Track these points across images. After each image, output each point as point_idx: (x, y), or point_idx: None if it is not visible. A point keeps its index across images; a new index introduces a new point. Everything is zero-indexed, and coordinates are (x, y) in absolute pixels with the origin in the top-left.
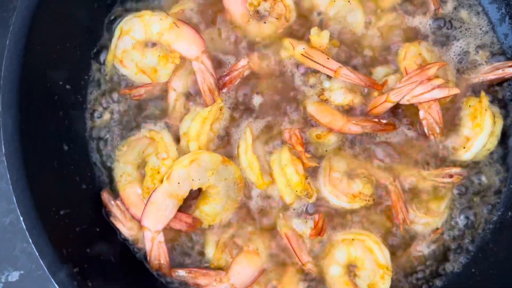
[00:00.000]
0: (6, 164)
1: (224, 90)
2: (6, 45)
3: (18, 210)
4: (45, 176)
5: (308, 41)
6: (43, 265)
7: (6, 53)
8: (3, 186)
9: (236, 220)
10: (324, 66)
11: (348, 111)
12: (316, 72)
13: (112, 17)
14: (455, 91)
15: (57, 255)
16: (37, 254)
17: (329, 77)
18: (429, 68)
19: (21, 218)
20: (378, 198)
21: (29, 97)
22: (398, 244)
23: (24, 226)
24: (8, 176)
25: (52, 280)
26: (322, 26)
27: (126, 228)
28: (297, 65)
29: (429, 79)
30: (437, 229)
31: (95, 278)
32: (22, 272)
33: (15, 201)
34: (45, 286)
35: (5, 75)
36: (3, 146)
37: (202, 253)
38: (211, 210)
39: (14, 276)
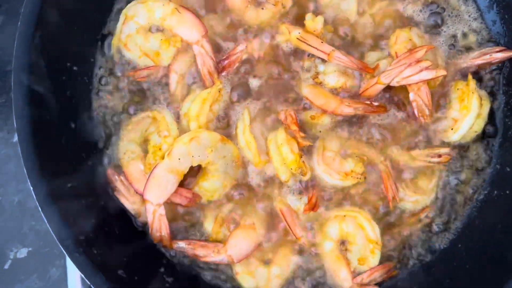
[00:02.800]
0: (17, 138)
1: (224, 73)
2: (15, 32)
3: (29, 183)
4: (53, 152)
5: (303, 26)
6: (51, 231)
7: (17, 35)
8: (12, 168)
9: (234, 196)
10: (318, 49)
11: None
12: (311, 56)
13: (117, 4)
14: (442, 72)
15: (65, 223)
16: (46, 220)
17: (323, 61)
18: (418, 50)
19: (32, 190)
20: (369, 177)
21: (39, 77)
22: (388, 220)
23: (35, 197)
24: (20, 150)
25: (60, 245)
26: (317, 12)
27: (129, 202)
28: (294, 49)
29: (418, 61)
30: (426, 206)
31: (99, 246)
32: (30, 249)
33: (26, 173)
34: (52, 262)
35: (16, 56)
36: (15, 123)
37: (201, 227)
38: (210, 186)
39: (23, 252)
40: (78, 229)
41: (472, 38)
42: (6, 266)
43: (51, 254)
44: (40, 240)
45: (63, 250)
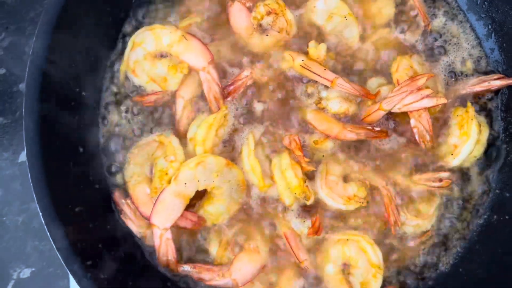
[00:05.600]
0: (27, 164)
1: (229, 99)
2: (22, 52)
3: (37, 207)
4: (62, 176)
5: (306, 53)
6: (59, 256)
7: (29, 64)
8: (17, 187)
9: (238, 219)
10: (321, 77)
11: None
12: (314, 82)
13: (125, 31)
14: (443, 100)
15: (72, 249)
16: (54, 246)
17: (326, 87)
18: (419, 78)
19: (41, 214)
20: (372, 201)
21: (49, 103)
22: (390, 244)
23: (43, 221)
24: (29, 175)
25: (68, 271)
26: (320, 39)
27: (135, 226)
28: (298, 76)
29: (419, 89)
30: (427, 231)
31: (107, 271)
32: (33, 269)
33: (35, 198)
34: (55, 283)
35: (28, 83)
36: (25, 148)
37: (206, 251)
38: (215, 210)
39: (26, 273)
40: (85, 253)
41: (471, 65)
42: (9, 287)
43: (55, 274)
44: (44, 260)
45: (70, 274)
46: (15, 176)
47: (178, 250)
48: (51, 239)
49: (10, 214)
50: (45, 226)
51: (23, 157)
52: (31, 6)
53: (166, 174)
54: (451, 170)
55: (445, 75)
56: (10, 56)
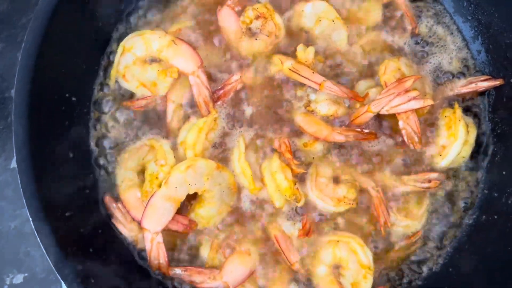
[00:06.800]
0: (17, 169)
1: (219, 103)
2: (14, 59)
3: (27, 212)
4: (52, 181)
5: (295, 56)
6: (49, 261)
7: (18, 69)
8: (9, 193)
9: (229, 222)
10: (309, 80)
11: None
12: (303, 85)
13: (115, 36)
14: (430, 102)
15: (62, 254)
16: (44, 251)
17: (315, 90)
18: (406, 80)
19: (30, 219)
20: (361, 202)
21: (38, 108)
22: (381, 245)
23: (33, 226)
24: (19, 180)
25: (59, 276)
26: (308, 43)
27: (126, 230)
28: (287, 79)
29: (406, 91)
30: (417, 231)
31: (97, 276)
32: (26, 274)
33: (25, 203)
34: None
35: (17, 88)
36: (14, 153)
37: (197, 254)
38: (206, 213)
39: (19, 278)
40: (75, 258)
41: (458, 67)
42: None
43: (47, 280)
44: (36, 265)
45: (62, 281)
46: (7, 182)
47: (171, 251)
48: (41, 245)
49: (2, 220)
50: (35, 232)
51: (15, 163)
52: (22, 12)
53: (157, 178)
54: (440, 170)
55: (432, 77)
56: (2, 62)
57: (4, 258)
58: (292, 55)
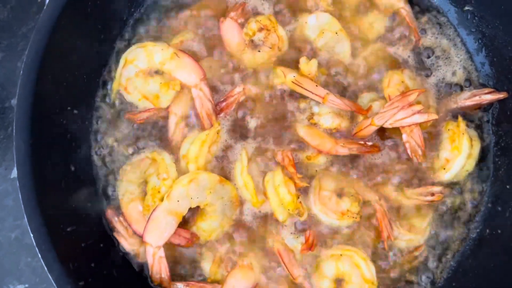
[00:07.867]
0: (18, 184)
1: (221, 115)
2: (14, 68)
3: (28, 227)
4: (53, 195)
5: (298, 69)
6: (51, 279)
7: (20, 82)
8: (10, 203)
9: (231, 236)
10: (312, 93)
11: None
12: (306, 98)
13: (117, 49)
14: (434, 116)
15: (64, 270)
16: (46, 268)
17: (318, 102)
18: (410, 94)
19: (32, 235)
20: (365, 216)
21: (40, 122)
22: (383, 259)
23: (34, 242)
24: (20, 195)
25: None
26: (312, 55)
27: (128, 243)
28: (290, 91)
29: (410, 105)
30: (420, 245)
31: None
32: (26, 285)
33: (26, 218)
34: None
35: (18, 102)
36: (15, 167)
37: (199, 268)
38: (208, 226)
39: None
40: (77, 274)
41: (462, 80)
42: None
43: None
44: (37, 276)
45: None
46: (8, 192)
47: (173, 264)
48: (42, 261)
49: (3, 230)
50: (36, 248)
51: (15, 173)
52: (23, 21)
53: (159, 192)
54: (443, 184)
55: (436, 89)
56: (2, 71)
57: (4, 268)
58: (295, 67)
